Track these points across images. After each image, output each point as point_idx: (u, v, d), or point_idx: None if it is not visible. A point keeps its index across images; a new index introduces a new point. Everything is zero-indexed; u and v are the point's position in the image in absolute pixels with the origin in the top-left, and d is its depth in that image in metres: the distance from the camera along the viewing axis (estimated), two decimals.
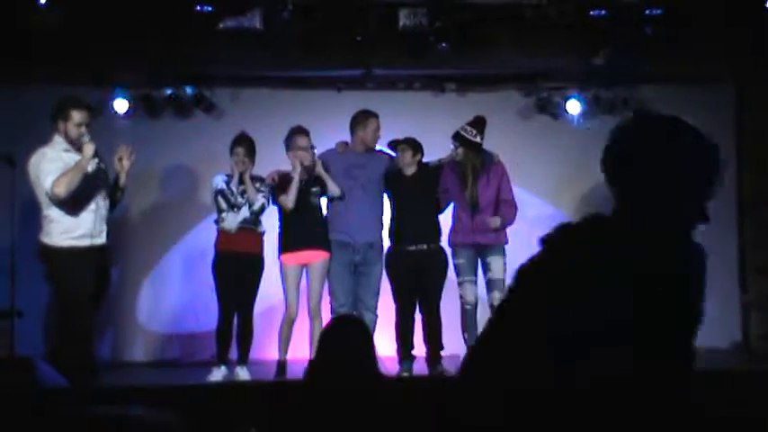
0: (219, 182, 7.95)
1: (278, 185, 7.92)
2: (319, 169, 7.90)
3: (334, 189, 7.92)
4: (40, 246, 7.03)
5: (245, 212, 7.89)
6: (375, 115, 8.13)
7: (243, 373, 7.89)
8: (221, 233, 7.92)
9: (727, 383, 5.45)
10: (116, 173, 7.36)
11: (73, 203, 6.93)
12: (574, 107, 9.86)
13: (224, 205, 7.89)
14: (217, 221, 7.98)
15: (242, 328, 7.94)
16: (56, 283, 7.07)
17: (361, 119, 8.11)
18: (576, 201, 10.06)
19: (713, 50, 8.74)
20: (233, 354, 8.00)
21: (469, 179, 7.84)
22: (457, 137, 7.88)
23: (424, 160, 8.18)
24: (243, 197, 7.90)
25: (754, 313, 9.88)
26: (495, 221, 7.77)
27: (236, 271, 7.85)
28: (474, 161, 7.85)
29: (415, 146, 8.05)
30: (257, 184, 7.93)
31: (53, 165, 6.87)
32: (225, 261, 7.88)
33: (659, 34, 8.38)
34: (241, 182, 7.89)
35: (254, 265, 7.94)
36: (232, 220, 7.87)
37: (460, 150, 7.85)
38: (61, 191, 6.80)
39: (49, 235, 6.96)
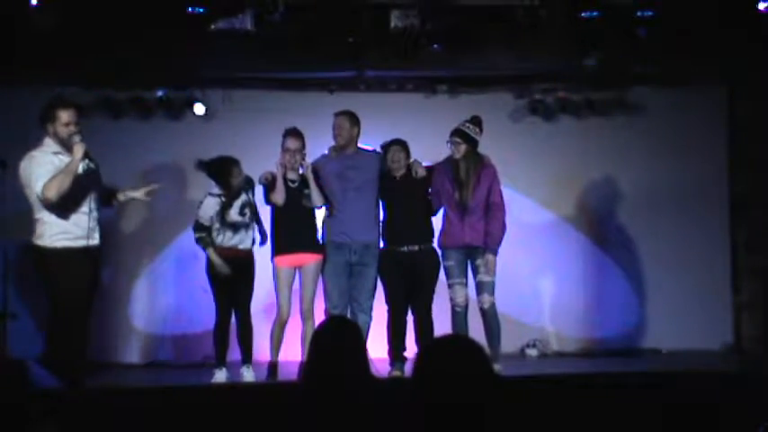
0: (214, 210, 7.85)
1: (269, 185, 7.90)
2: (308, 174, 7.89)
3: (316, 198, 7.90)
4: (33, 249, 6.99)
5: (251, 233, 7.94)
6: (337, 114, 8.09)
7: (248, 374, 7.87)
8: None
9: (719, 385, 5.46)
10: (125, 192, 7.43)
11: (65, 205, 6.88)
12: None
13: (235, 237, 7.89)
14: (214, 239, 7.91)
15: (242, 327, 7.92)
16: (51, 285, 7.00)
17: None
18: (568, 202, 10.08)
19: (705, 51, 8.76)
20: (235, 355, 7.99)
21: (464, 179, 7.81)
22: (460, 133, 7.83)
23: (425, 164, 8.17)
24: (242, 215, 7.89)
25: (747, 315, 9.90)
26: (490, 261, 7.80)
27: (232, 273, 7.83)
28: (474, 160, 7.84)
29: (406, 148, 8.04)
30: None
31: (43, 168, 6.82)
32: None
33: (651, 35, 8.39)
34: (234, 197, 7.88)
35: (247, 264, 7.92)
36: (247, 240, 7.93)
37: (462, 148, 7.81)
38: (52, 194, 6.75)
39: (42, 237, 6.92)
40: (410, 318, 8.03)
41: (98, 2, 8.02)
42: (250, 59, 8.88)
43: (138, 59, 8.61)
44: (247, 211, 7.89)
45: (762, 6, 8.09)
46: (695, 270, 9.85)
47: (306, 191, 7.89)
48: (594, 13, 8.37)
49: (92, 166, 7.15)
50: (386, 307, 8.02)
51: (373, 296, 8.02)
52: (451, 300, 7.90)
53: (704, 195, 10.03)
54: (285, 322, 7.88)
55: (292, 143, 7.87)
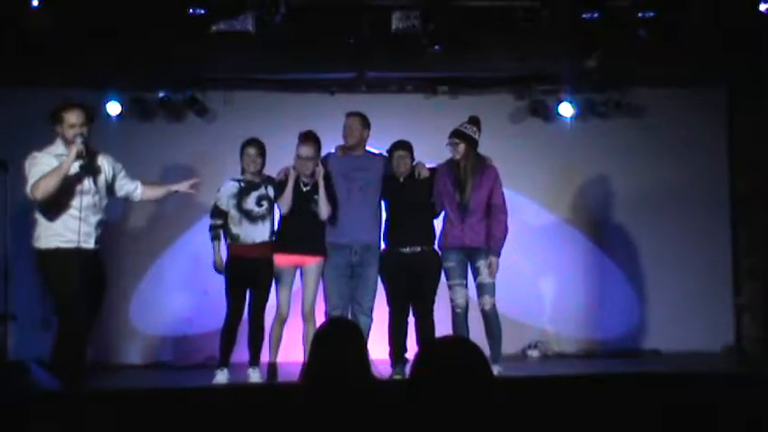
0: (231, 192, 7.91)
1: (279, 184, 7.90)
2: (319, 181, 7.86)
3: (323, 209, 7.86)
4: (32, 250, 7.00)
5: (269, 225, 7.91)
6: (349, 114, 8.12)
7: (255, 376, 7.85)
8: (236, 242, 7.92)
9: (720, 386, 5.45)
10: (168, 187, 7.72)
11: (52, 208, 6.87)
12: (566, 110, 9.92)
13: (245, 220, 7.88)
14: (231, 237, 7.92)
15: (254, 329, 7.89)
16: (50, 287, 7.04)
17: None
18: (568, 204, 10.09)
19: (706, 52, 8.75)
20: (237, 356, 7.97)
21: (464, 179, 7.81)
22: (457, 133, 7.84)
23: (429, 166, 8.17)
24: (260, 206, 7.89)
25: (747, 316, 9.90)
26: (494, 264, 7.80)
27: (250, 273, 7.81)
28: (473, 160, 7.84)
29: (411, 152, 8.03)
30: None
31: (38, 168, 6.81)
32: (238, 264, 7.84)
33: (652, 37, 8.39)
34: (254, 188, 7.90)
35: (266, 264, 7.87)
36: (266, 232, 7.92)
37: (461, 147, 7.81)
38: (38, 193, 6.74)
39: (39, 239, 6.92)
40: (411, 319, 8.03)
41: (98, 3, 8.02)
42: (251, 61, 8.89)
43: (139, 61, 8.62)
44: (265, 203, 7.89)
45: (762, 7, 8.07)
46: (696, 271, 9.86)
47: (315, 196, 7.86)
48: (595, 15, 8.35)
49: (93, 166, 7.10)
50: (387, 308, 8.02)
51: (374, 297, 8.01)
52: (452, 301, 7.90)
53: (705, 196, 10.04)
54: (284, 321, 7.86)
55: (304, 150, 7.84)
